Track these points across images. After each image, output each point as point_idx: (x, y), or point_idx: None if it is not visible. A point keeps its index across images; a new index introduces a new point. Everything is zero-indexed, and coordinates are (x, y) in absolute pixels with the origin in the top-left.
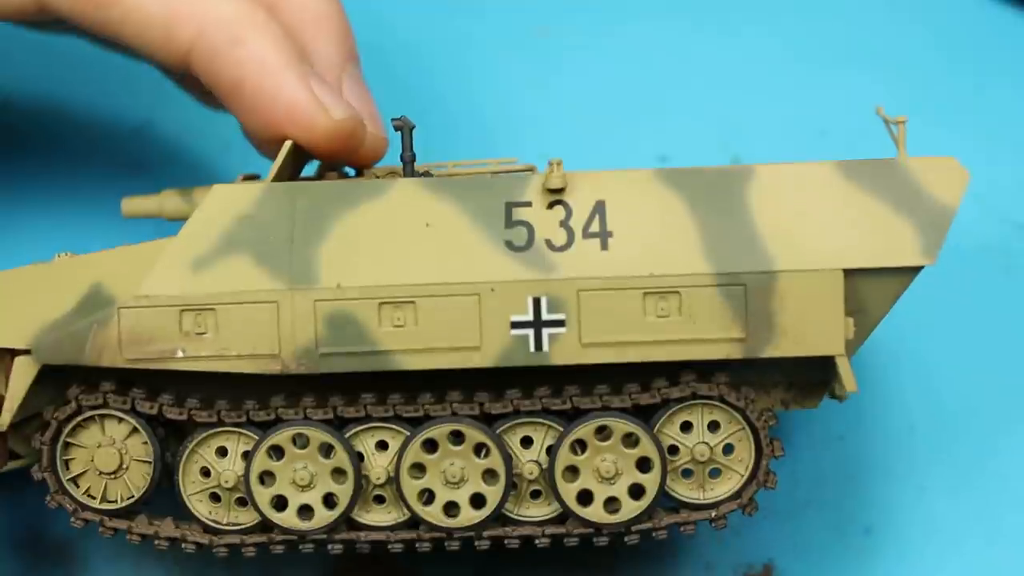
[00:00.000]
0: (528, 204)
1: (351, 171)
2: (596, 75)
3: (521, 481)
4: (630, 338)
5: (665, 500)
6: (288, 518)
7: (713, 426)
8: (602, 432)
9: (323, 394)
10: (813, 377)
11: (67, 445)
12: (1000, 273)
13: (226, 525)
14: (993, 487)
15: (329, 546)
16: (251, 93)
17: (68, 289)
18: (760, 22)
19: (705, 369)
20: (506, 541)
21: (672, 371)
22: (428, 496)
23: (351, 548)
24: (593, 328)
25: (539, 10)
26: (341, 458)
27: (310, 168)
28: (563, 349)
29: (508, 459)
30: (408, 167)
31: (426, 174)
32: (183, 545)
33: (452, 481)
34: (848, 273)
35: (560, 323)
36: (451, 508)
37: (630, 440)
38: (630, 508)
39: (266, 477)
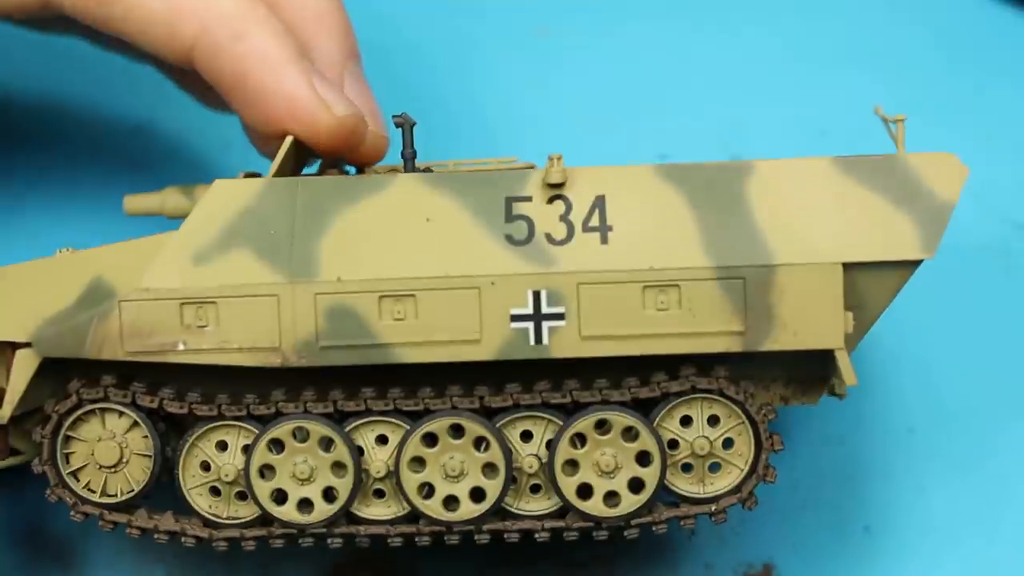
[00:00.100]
0: (528, 199)
1: (352, 170)
2: (596, 75)
3: (521, 475)
4: (630, 331)
5: (665, 495)
6: (288, 512)
7: (713, 420)
8: (602, 426)
9: (323, 388)
10: (813, 372)
11: (67, 439)
12: (1000, 273)
13: (226, 519)
14: (992, 487)
15: (329, 540)
16: (253, 88)
17: (69, 283)
18: (760, 22)
19: (705, 363)
20: (506, 535)
21: (672, 365)
22: (428, 490)
23: (351, 542)
24: (593, 321)
25: (539, 10)
26: (341, 452)
27: (311, 170)
28: (563, 342)
29: (508, 453)
30: (409, 164)
31: (427, 171)
32: (183, 539)
33: (452, 475)
34: (847, 267)
35: (560, 316)
36: (451, 502)
37: (630, 434)
38: (630, 502)
39: (266, 471)
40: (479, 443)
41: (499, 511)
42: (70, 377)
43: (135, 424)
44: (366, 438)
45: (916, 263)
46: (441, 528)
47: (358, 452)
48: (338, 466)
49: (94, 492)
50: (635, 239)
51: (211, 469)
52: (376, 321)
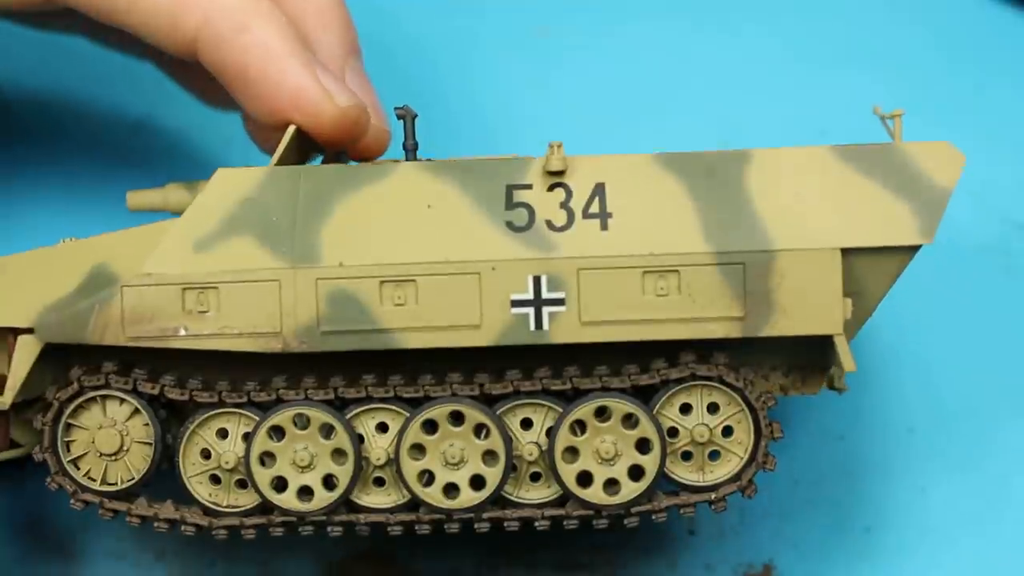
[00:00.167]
0: (529, 186)
1: (354, 164)
2: (596, 74)
3: (521, 463)
4: (629, 316)
5: (665, 484)
6: (288, 499)
7: (712, 408)
8: (602, 413)
9: (324, 375)
10: (812, 361)
11: (68, 427)
12: (1000, 273)
13: (226, 507)
14: (992, 487)
15: (328, 528)
16: (256, 79)
17: (71, 270)
18: (760, 22)
19: (704, 350)
20: (506, 523)
21: (671, 352)
22: (428, 477)
23: (351, 535)
24: (593, 307)
25: (539, 10)
26: (341, 439)
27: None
28: (563, 327)
29: (508, 440)
30: (410, 155)
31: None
32: (182, 527)
33: (452, 462)
34: (846, 252)
35: (560, 302)
36: (451, 490)
37: (630, 421)
38: (630, 489)
39: (266, 458)
40: (479, 430)
41: (499, 499)
42: (71, 365)
43: (136, 412)
44: (366, 426)
45: (914, 249)
46: (441, 516)
47: (358, 440)
48: (338, 453)
49: (94, 480)
50: (635, 226)
51: (211, 457)
52: (377, 306)
